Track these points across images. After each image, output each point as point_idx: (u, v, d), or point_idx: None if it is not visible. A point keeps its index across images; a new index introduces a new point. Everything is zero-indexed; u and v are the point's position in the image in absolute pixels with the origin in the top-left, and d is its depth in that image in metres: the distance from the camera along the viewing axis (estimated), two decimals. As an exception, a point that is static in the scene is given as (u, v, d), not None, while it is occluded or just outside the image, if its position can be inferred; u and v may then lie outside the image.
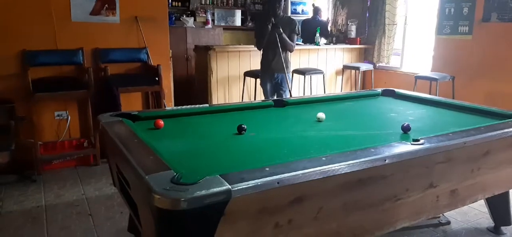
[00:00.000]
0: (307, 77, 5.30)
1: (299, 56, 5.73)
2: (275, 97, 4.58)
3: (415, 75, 4.98)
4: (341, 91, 6.09)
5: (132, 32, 4.58)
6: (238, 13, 7.65)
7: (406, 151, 1.95)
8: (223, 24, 7.36)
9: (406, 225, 2.19)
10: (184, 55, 6.31)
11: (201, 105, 2.98)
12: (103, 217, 3.09)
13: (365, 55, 6.25)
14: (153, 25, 4.68)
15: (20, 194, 3.47)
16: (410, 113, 2.99)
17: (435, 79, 4.71)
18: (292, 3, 7.56)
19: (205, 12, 7.10)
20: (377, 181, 1.92)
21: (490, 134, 2.28)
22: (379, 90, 3.80)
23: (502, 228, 2.86)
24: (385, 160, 1.87)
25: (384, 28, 5.85)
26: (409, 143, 2.04)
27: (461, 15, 4.86)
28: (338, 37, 6.51)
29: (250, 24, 7.75)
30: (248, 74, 4.99)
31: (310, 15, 7.03)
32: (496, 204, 2.81)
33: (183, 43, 6.26)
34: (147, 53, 4.66)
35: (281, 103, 3.16)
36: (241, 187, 1.50)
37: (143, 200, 1.73)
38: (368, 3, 6.19)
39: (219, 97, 5.21)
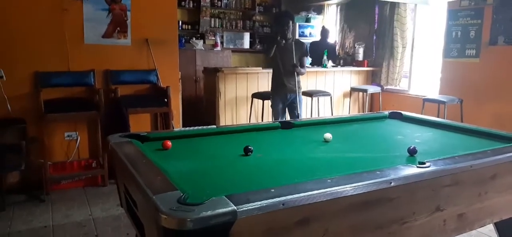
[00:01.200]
0: (315, 99, 5.33)
1: (307, 79, 5.77)
2: (286, 118, 4.61)
3: (423, 97, 4.99)
4: (349, 113, 6.10)
5: (142, 54, 4.68)
6: (247, 36, 7.76)
7: (412, 174, 1.95)
8: (231, 46, 7.47)
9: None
10: (193, 77, 6.40)
11: (208, 127, 3.01)
12: (110, 238, 3.11)
13: (373, 78, 6.27)
14: (163, 47, 4.78)
15: (28, 214, 3.51)
16: (417, 136, 2.99)
17: (443, 102, 4.71)
18: (300, 26, 7.64)
19: (214, 35, 7.21)
20: (384, 203, 1.92)
21: (497, 157, 2.27)
22: (386, 112, 3.80)
23: (513, 253, 2.81)
24: (391, 183, 1.87)
25: (392, 51, 5.88)
26: (415, 166, 2.04)
27: (468, 38, 4.88)
28: (345, 59, 6.56)
29: (258, 46, 7.85)
30: (256, 95, 5.04)
31: (317, 37, 7.10)
32: (505, 229, 2.76)
33: (193, 65, 6.35)
34: (156, 75, 4.74)
35: (288, 125, 3.18)
36: (247, 208, 1.51)
37: (150, 220, 1.75)
38: (375, 26, 6.25)
39: (227, 118, 5.26)
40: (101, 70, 4.45)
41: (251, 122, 5.12)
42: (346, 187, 1.75)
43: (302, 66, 4.62)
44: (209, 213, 1.45)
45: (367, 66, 6.20)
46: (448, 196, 2.16)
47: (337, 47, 6.85)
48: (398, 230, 2.03)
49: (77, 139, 4.38)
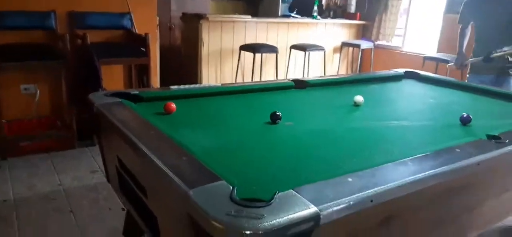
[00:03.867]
0: (307, 54, 4.86)
1: (298, 31, 5.26)
2: None
3: (424, 55, 4.66)
4: (338, 70, 5.71)
5: (114, -7, 3.96)
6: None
7: (499, 152, 1.57)
8: (208, -9, 6.74)
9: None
10: (167, 24, 5.68)
11: (212, 85, 2.49)
12: (88, 215, 2.57)
13: (363, 32, 5.87)
14: (138, -14, 4.07)
15: (-19, 185, 2.87)
16: (451, 100, 2.64)
17: (446, 61, 4.41)
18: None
19: (189, -22, 6.43)
20: (467, 189, 1.55)
21: None
22: (402, 71, 3.44)
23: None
24: (478, 164, 1.48)
25: (387, 3, 5.46)
26: (491, 141, 1.66)
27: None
28: (335, 11, 6.08)
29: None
30: (244, 48, 4.48)
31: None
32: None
33: (167, 10, 5.61)
34: (131, 19, 4.06)
35: (302, 84, 2.72)
36: (331, 209, 1.06)
37: (176, 220, 1.26)
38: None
39: (210, 74, 4.69)
40: (65, 12, 3.70)
41: (237, 79, 4.59)
42: (436, 171, 1.33)
43: None
44: (285, 219, 0.98)
45: (360, 20, 5.77)
46: (519, 175, 1.83)
47: (323, -1, 6.36)
48: (469, 218, 1.68)
49: (36, 93, 3.68)
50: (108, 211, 2.63)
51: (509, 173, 1.76)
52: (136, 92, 2.17)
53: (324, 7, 6.28)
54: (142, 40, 3.85)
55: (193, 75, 4.61)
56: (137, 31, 4.08)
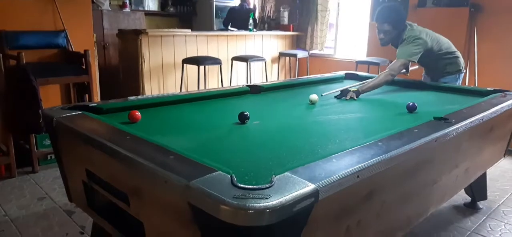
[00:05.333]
0: (249, 64, 4.97)
1: (237, 43, 5.37)
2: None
3: (356, 60, 5.00)
4: (278, 78, 5.90)
5: (46, 11, 3.76)
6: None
7: (449, 130, 1.76)
8: (140, 8, 6.60)
9: (433, 210, 2.03)
10: (101, 43, 5.48)
11: (170, 93, 2.47)
12: (44, 244, 2.39)
13: (298, 43, 6.13)
14: (72, 3, 3.91)
15: None
16: (393, 95, 2.89)
17: (377, 63, 4.78)
18: (217, -11, 7.13)
19: (122, -6, 6.27)
20: (428, 164, 1.72)
21: (495, 108, 2.22)
22: (342, 73, 3.68)
23: (479, 203, 2.91)
24: (435, 141, 1.66)
25: (317, 15, 5.78)
26: (442, 122, 1.86)
27: (395, 1, 5.01)
28: (269, 24, 6.29)
29: (171, 9, 7.10)
30: (187, 61, 4.47)
31: (236, 1, 6.71)
32: (476, 180, 2.83)
33: (99, 28, 5.41)
34: (66, 37, 3.87)
35: (256, 89, 2.81)
36: (325, 185, 1.13)
37: (171, 218, 1.25)
38: (298, -11, 6.09)
39: (153, 88, 4.59)
40: (-7, 31, 3.45)
41: (182, 90, 4.55)
42: (405, 149, 1.47)
43: None
44: (289, 197, 1.03)
45: (293, 31, 6.03)
46: (464, 151, 2.06)
47: (257, 12, 6.53)
48: (430, 192, 1.86)
49: (-37, 121, 3.35)
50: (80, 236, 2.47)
51: (457, 149, 1.97)
52: (95, 104, 2.10)
53: (258, 20, 6.48)
54: (80, 58, 3.70)
55: (135, 90, 4.49)
56: (73, 49, 3.91)
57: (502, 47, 4.20)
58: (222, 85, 4.74)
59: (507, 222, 2.70)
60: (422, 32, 3.06)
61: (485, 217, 2.78)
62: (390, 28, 3.06)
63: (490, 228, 2.62)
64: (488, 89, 2.73)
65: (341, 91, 2.74)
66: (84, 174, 1.72)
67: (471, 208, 2.90)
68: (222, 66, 4.70)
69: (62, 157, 1.91)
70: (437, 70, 3.27)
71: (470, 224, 2.67)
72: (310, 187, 1.09)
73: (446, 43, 3.21)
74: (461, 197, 2.98)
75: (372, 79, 2.91)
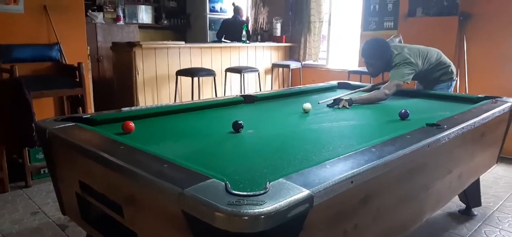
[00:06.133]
0: (243, 75, 4.99)
1: (230, 54, 5.39)
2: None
3: (348, 70, 5.03)
4: (271, 88, 5.92)
5: (41, 25, 3.78)
6: (148, 9, 6.95)
7: (441, 136, 1.77)
8: (134, 21, 6.62)
9: (429, 216, 2.04)
10: (95, 55, 5.48)
11: (164, 104, 2.48)
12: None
13: (291, 54, 6.17)
14: (66, 16, 3.93)
15: None
16: (385, 103, 2.91)
17: (368, 73, 4.81)
18: (210, 1, 7.17)
19: (116, 7, 6.29)
20: (421, 169, 1.73)
21: (486, 115, 2.24)
22: (335, 82, 3.71)
23: (473, 209, 2.92)
24: (428, 146, 1.67)
25: (309, 26, 5.83)
26: (433, 127, 1.88)
27: (386, 11, 5.06)
28: (262, 35, 6.33)
29: (165, 22, 7.13)
30: (181, 73, 4.48)
31: (229, 13, 6.76)
32: (470, 187, 2.85)
33: (93, 41, 5.42)
34: (60, 50, 3.88)
35: (250, 99, 2.82)
36: (319, 190, 1.14)
37: (164, 228, 1.25)
38: (290, 0, 6.14)
39: (147, 100, 4.59)
40: (-14, 45, 3.44)
41: (176, 102, 4.54)
42: (398, 154, 1.48)
43: None
44: (283, 202, 1.04)
45: (286, 42, 6.07)
46: (456, 157, 2.07)
47: (250, 24, 6.58)
48: (425, 197, 1.86)
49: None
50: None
51: (450, 155, 1.99)
52: (88, 115, 2.10)
53: (251, 32, 6.53)
54: (74, 71, 3.70)
55: (129, 103, 4.48)
56: (67, 62, 3.91)
57: (491, 53, 4.25)
58: (216, 96, 4.75)
59: (502, 228, 2.71)
60: (411, 53, 3.12)
61: (480, 223, 2.79)
62: (376, 61, 3.18)
63: (485, 235, 2.63)
64: (479, 96, 2.77)
65: (334, 99, 2.77)
66: (77, 186, 1.71)
67: (466, 215, 2.90)
68: (216, 78, 4.71)
69: (55, 169, 1.90)
70: (429, 81, 3.34)
71: (466, 231, 2.68)
72: (304, 193, 1.10)
73: (436, 54, 3.26)
74: (456, 204, 2.99)
75: (366, 94, 2.97)
